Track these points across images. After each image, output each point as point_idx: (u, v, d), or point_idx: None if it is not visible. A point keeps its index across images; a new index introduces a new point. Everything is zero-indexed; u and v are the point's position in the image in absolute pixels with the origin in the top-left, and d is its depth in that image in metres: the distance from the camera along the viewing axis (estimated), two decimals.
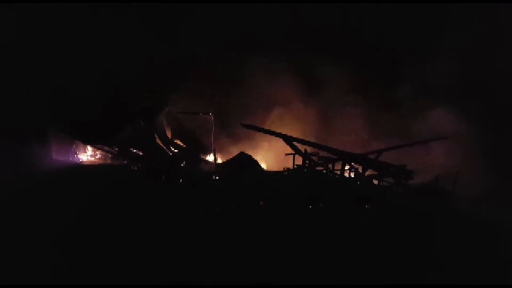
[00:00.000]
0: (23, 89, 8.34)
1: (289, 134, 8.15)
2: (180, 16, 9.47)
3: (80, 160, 9.37)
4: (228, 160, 8.41)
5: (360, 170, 7.75)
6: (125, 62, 8.81)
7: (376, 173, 7.90)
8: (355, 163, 7.78)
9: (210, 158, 9.61)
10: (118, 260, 5.02)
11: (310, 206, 6.86)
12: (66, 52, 8.60)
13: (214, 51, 9.58)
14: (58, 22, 8.58)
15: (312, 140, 8.07)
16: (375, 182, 7.79)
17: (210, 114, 10.17)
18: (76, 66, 8.60)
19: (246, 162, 7.80)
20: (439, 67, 8.91)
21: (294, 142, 7.69)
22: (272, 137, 8.51)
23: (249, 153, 8.95)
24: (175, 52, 9.38)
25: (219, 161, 9.46)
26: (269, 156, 9.47)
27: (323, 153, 7.91)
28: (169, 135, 9.93)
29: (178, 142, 9.93)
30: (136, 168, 8.89)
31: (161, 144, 9.66)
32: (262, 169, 7.95)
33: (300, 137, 8.08)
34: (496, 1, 8.87)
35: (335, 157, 7.77)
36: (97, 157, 9.68)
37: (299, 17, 9.66)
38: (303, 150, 7.82)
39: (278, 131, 8.18)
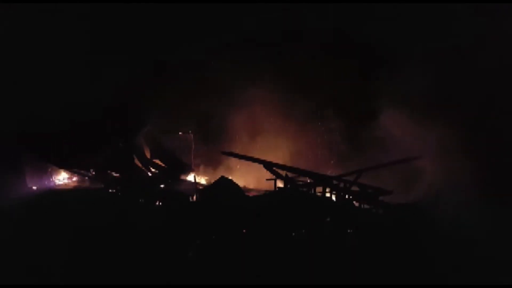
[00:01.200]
0: None
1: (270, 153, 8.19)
2: (158, 30, 9.26)
3: (56, 184, 9.11)
4: (209, 185, 8.35)
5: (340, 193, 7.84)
6: (102, 82, 8.59)
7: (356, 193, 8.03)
8: (334, 186, 7.86)
9: (190, 177, 9.55)
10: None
11: (293, 234, 6.88)
12: (38, 72, 8.30)
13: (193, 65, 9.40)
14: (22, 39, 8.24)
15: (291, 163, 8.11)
16: (356, 204, 7.90)
17: (190, 132, 10.08)
18: (48, 86, 8.33)
19: (227, 187, 7.73)
20: (418, 77, 8.92)
21: (274, 168, 7.70)
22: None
23: (229, 170, 8.92)
24: (154, 69, 9.21)
25: (199, 180, 9.41)
26: (250, 173, 9.49)
27: (304, 178, 7.97)
28: (148, 155, 9.78)
29: (158, 161, 9.80)
30: (113, 190, 8.72)
31: (140, 165, 9.52)
32: (243, 193, 7.92)
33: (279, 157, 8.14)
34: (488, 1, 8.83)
35: (315, 180, 7.83)
36: (74, 179, 9.43)
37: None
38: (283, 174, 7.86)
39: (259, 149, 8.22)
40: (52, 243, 5.99)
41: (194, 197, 8.24)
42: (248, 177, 9.49)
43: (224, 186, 7.79)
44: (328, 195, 8.05)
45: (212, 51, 9.20)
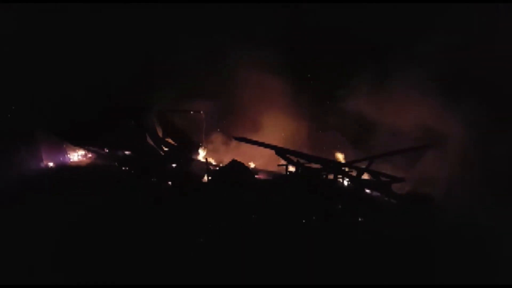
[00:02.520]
0: (9, 91, 8.14)
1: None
2: (173, 15, 9.10)
3: (71, 161, 9.27)
4: (220, 168, 8.38)
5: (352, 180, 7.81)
6: (115, 62, 8.55)
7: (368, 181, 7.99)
8: (346, 173, 7.81)
9: (201, 156, 9.61)
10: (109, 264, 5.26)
11: (304, 220, 6.94)
12: (54, 53, 8.36)
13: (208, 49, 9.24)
14: (45, 22, 8.26)
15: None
16: (368, 191, 7.88)
17: (202, 112, 10.01)
18: (64, 67, 8.41)
19: (238, 171, 7.76)
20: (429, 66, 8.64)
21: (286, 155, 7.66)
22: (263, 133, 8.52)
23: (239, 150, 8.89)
24: (167, 50, 9.08)
25: (210, 160, 9.48)
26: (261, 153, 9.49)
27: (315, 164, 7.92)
28: (160, 134, 9.81)
29: (170, 140, 9.83)
30: (126, 168, 8.85)
31: (152, 143, 9.57)
32: (254, 177, 7.95)
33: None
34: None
35: (327, 167, 7.78)
36: (88, 157, 9.57)
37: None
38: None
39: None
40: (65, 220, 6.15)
41: (206, 178, 8.35)
42: (258, 158, 9.53)
43: (235, 169, 7.84)
44: (340, 181, 8.06)
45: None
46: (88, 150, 9.47)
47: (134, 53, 8.68)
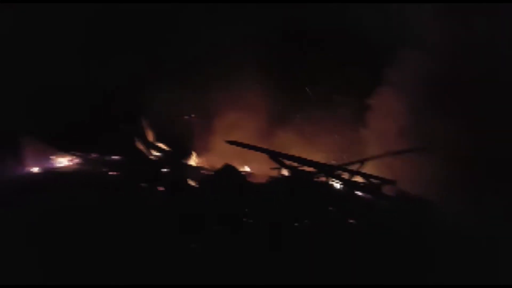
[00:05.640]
0: None
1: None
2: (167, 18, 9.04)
3: (57, 166, 9.00)
4: (212, 172, 8.28)
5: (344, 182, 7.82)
6: (106, 64, 8.42)
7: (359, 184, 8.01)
8: (338, 176, 7.83)
9: (193, 161, 9.48)
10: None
11: (296, 224, 6.89)
12: (40, 53, 8.14)
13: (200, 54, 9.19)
14: (33, 20, 8.05)
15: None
16: (360, 193, 7.89)
17: (193, 116, 9.93)
18: (53, 67, 8.20)
19: (231, 175, 7.68)
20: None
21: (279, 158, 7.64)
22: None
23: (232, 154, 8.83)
24: (159, 53, 9.00)
25: (202, 165, 9.35)
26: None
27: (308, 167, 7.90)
28: (151, 139, 9.66)
29: (161, 145, 9.70)
30: (114, 174, 8.65)
31: (143, 149, 9.42)
32: (247, 181, 7.88)
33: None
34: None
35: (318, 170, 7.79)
36: (74, 162, 9.32)
37: None
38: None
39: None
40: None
41: (197, 183, 8.23)
42: (253, 162, 9.45)
43: (228, 173, 7.75)
44: (333, 184, 8.07)
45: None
46: (75, 155, 9.24)
47: (126, 54, 8.52)
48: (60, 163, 9.17)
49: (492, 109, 8.03)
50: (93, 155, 9.00)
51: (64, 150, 8.94)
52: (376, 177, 7.95)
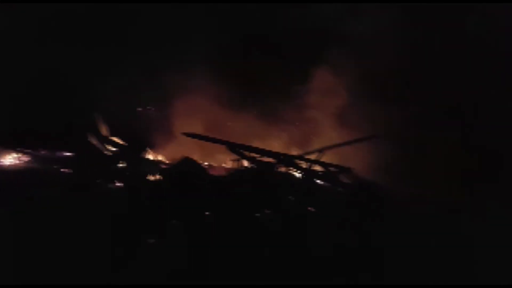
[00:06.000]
0: None
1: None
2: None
3: (3, 165, 8.41)
4: (171, 165, 8.12)
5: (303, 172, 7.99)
6: (56, 57, 7.92)
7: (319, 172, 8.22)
8: (297, 165, 7.98)
9: (150, 155, 9.24)
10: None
11: (257, 214, 6.95)
12: None
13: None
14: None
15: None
16: (319, 182, 8.11)
17: (149, 108, 9.64)
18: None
19: (191, 168, 7.57)
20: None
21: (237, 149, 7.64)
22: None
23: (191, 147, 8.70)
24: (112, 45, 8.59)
25: (160, 158, 9.14)
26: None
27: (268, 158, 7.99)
28: (106, 133, 9.26)
29: (116, 139, 9.33)
30: (66, 171, 8.23)
31: (96, 143, 9.02)
32: (207, 174, 7.81)
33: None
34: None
35: (277, 160, 7.89)
36: (22, 160, 8.75)
37: None
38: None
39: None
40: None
41: (156, 176, 8.04)
42: (214, 154, 9.38)
43: (187, 166, 7.64)
44: (292, 173, 8.22)
45: None
46: (22, 153, 8.67)
47: (76, 46, 8.06)
48: (6, 161, 8.60)
49: (440, 98, 8.53)
50: (42, 152, 8.50)
51: (9, 147, 8.38)
52: (333, 165, 8.20)
